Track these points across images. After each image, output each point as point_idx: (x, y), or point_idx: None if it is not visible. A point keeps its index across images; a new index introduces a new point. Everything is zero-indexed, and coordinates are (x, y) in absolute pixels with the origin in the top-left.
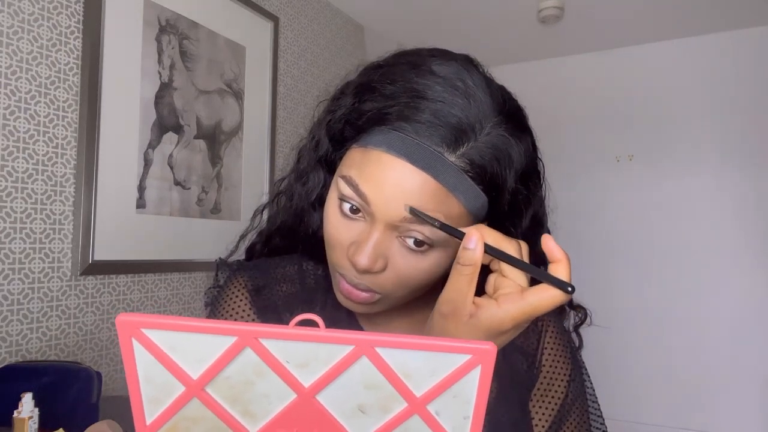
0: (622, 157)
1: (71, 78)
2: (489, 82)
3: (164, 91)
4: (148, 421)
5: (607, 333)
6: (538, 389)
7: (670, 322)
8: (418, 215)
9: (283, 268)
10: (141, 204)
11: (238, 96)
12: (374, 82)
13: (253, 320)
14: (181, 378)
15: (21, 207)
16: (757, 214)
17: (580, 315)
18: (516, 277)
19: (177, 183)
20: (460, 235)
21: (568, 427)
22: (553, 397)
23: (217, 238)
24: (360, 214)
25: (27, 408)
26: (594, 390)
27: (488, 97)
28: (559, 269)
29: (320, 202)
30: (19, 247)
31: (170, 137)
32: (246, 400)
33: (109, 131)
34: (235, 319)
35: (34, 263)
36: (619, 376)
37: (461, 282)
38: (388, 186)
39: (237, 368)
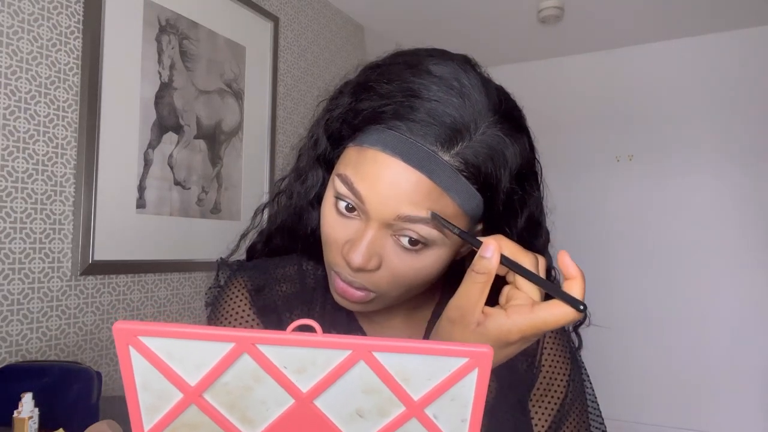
0: (622, 157)
1: (71, 78)
2: (486, 82)
3: (164, 91)
4: (146, 428)
5: (607, 333)
6: (538, 389)
7: (670, 322)
8: (438, 221)
9: (283, 268)
10: (141, 204)
11: (238, 96)
12: (371, 82)
13: (253, 320)
14: (178, 385)
15: (21, 207)
16: (757, 214)
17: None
18: (529, 290)
19: (177, 183)
20: (477, 244)
21: (567, 427)
22: (552, 397)
23: (217, 238)
24: (355, 213)
25: (27, 408)
26: (593, 390)
27: (484, 96)
28: (573, 286)
29: (319, 200)
30: (19, 247)
31: (170, 137)
32: (244, 406)
33: (109, 131)
34: (236, 319)
35: (34, 263)
36: (619, 376)
37: (473, 290)
38: (382, 185)
39: (235, 374)
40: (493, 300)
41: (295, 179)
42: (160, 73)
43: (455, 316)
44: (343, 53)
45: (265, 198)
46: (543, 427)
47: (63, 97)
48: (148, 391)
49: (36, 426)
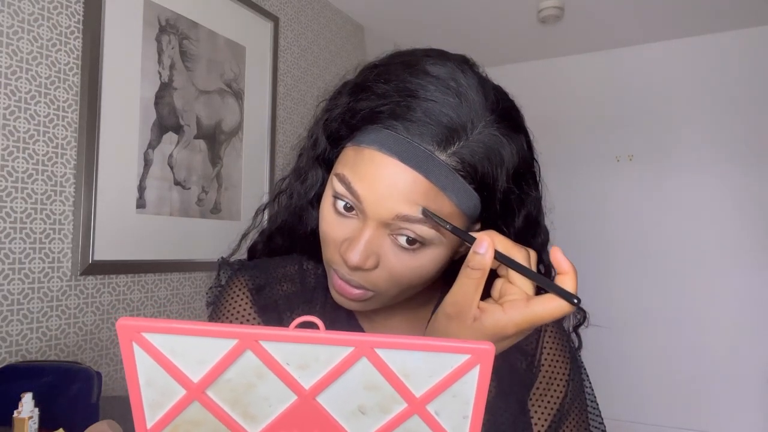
0: (622, 157)
1: (71, 78)
2: (483, 82)
3: (164, 91)
4: (149, 424)
5: (607, 333)
6: (537, 389)
7: (670, 322)
8: (430, 217)
9: (284, 268)
10: (141, 204)
11: (238, 96)
12: (369, 82)
13: (254, 319)
14: (181, 381)
15: (21, 207)
16: (757, 213)
17: (579, 316)
18: (523, 284)
19: (177, 183)
20: (471, 240)
21: (567, 427)
22: (552, 396)
23: (217, 238)
24: (354, 212)
25: (27, 408)
26: (593, 390)
27: (481, 96)
28: (565, 281)
29: (319, 200)
30: (19, 247)
31: (170, 137)
32: (247, 403)
33: (109, 131)
34: (237, 318)
35: (34, 263)
36: (619, 376)
37: (468, 285)
38: (379, 184)
39: (238, 371)
40: (485, 293)
41: (295, 179)
42: (160, 73)
43: (452, 312)
44: (343, 53)
45: (266, 198)
46: (543, 426)
47: (63, 97)
48: (151, 387)
49: (36, 426)
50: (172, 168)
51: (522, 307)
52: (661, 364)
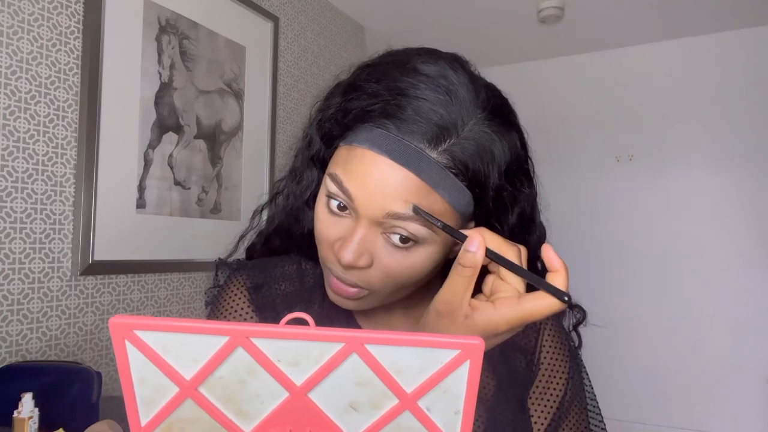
0: (622, 157)
1: (71, 78)
2: (474, 79)
3: (164, 91)
4: (143, 422)
5: (607, 333)
6: (537, 387)
7: (670, 322)
8: (420, 214)
9: (282, 267)
10: (141, 204)
11: (238, 96)
12: (361, 81)
13: (253, 318)
14: (174, 379)
15: (21, 207)
16: (757, 214)
17: (577, 315)
18: (514, 281)
19: (177, 183)
20: (462, 237)
21: (567, 426)
22: (551, 395)
23: (217, 238)
24: (347, 211)
25: (27, 408)
26: (593, 388)
27: (472, 94)
28: (556, 278)
29: (314, 200)
30: (19, 247)
31: (170, 137)
32: (239, 400)
33: (109, 131)
34: (235, 318)
35: (34, 263)
36: (619, 376)
37: (460, 283)
38: (371, 183)
39: (229, 368)
40: (476, 289)
41: (291, 180)
42: (160, 73)
43: (443, 309)
44: (343, 53)
45: (265, 198)
46: (542, 425)
47: (63, 97)
48: (144, 385)
49: (36, 426)
50: (172, 168)
51: (513, 304)
52: (660, 363)
